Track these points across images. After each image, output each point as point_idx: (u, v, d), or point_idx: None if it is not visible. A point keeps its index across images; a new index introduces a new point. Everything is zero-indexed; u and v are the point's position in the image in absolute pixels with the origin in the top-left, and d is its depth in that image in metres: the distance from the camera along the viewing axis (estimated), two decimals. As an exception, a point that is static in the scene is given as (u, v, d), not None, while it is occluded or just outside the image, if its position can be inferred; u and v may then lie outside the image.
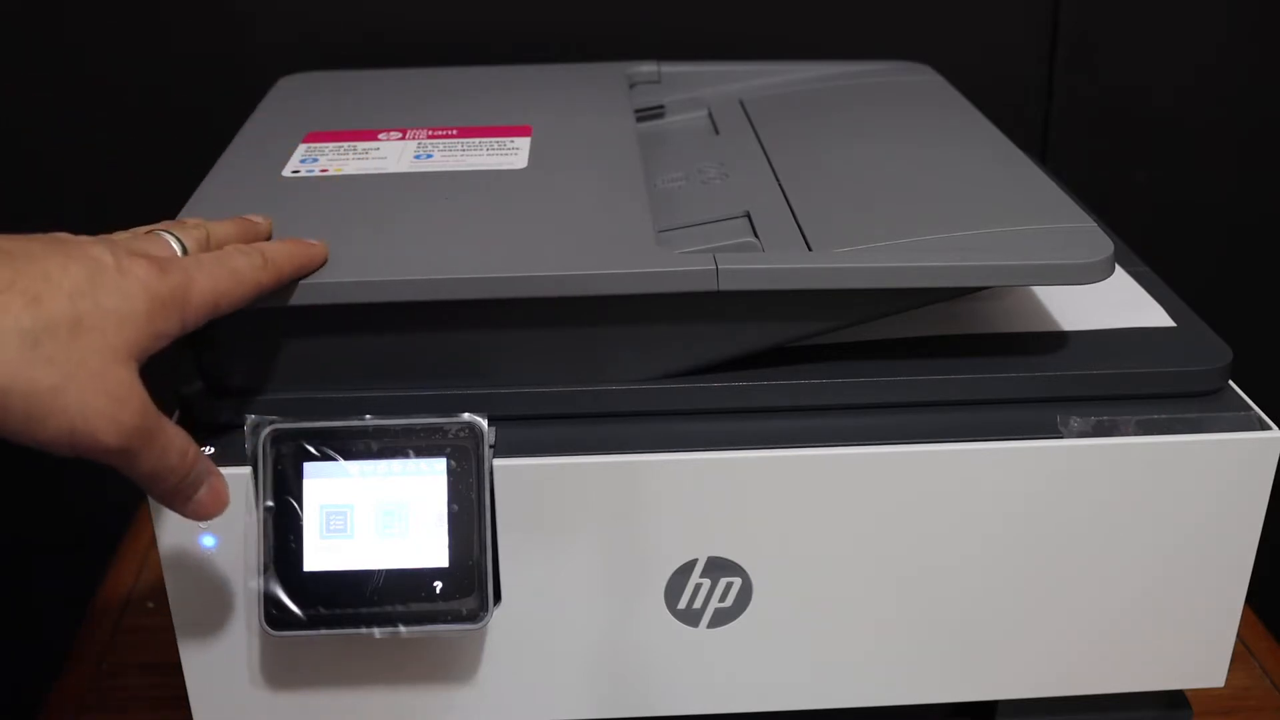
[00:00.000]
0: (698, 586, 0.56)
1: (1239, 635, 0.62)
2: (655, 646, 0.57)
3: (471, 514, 0.53)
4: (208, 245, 0.51)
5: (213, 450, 0.54)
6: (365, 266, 0.53)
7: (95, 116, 0.96)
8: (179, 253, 0.49)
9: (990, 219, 0.57)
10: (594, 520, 0.55)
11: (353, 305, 0.52)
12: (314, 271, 0.52)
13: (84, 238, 0.46)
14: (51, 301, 0.42)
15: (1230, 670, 0.61)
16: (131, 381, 0.44)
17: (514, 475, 0.54)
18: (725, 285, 0.53)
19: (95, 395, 0.42)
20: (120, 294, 0.44)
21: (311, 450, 0.53)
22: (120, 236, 0.49)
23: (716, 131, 0.75)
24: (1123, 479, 0.55)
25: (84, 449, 0.43)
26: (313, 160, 0.64)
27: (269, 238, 0.55)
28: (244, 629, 0.56)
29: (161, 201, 0.61)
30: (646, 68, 0.81)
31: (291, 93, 0.77)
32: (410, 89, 0.77)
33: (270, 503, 0.53)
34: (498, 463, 0.53)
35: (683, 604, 0.57)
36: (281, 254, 0.51)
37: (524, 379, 0.55)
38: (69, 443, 0.42)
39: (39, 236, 0.45)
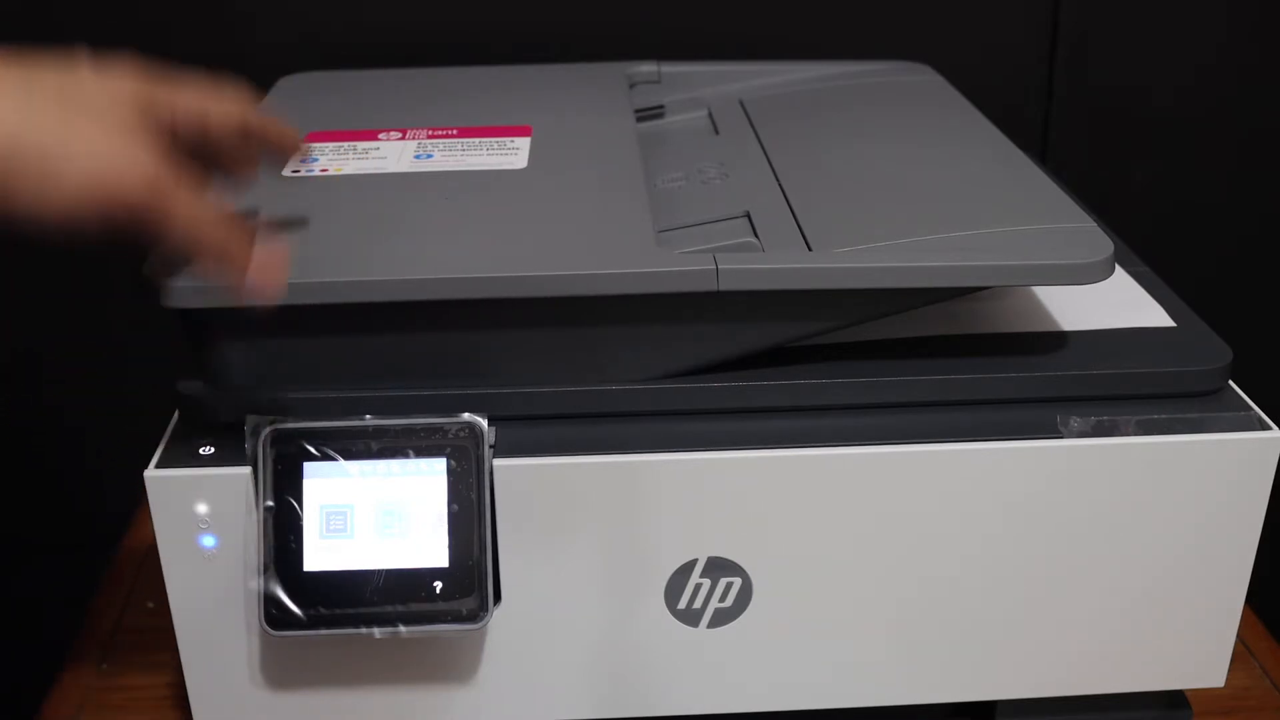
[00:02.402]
0: (698, 586, 0.56)
1: (1239, 635, 0.62)
2: (655, 646, 0.57)
3: (471, 514, 0.53)
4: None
5: (213, 450, 0.54)
6: (365, 266, 0.53)
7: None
8: None
9: (990, 219, 0.57)
10: (594, 520, 0.55)
11: (352, 305, 0.52)
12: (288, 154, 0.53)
13: None
14: (40, 67, 0.42)
15: (1230, 670, 0.61)
16: (137, 116, 0.43)
17: (514, 475, 0.54)
18: (725, 285, 0.53)
19: (107, 139, 0.42)
20: (107, 71, 0.44)
21: (311, 450, 0.53)
22: None
23: (716, 131, 0.75)
24: (1123, 479, 0.55)
25: (115, 188, 0.41)
26: (313, 160, 0.64)
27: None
28: (244, 629, 0.56)
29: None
30: (646, 68, 0.81)
31: (291, 93, 0.77)
32: (410, 89, 0.77)
33: (270, 503, 0.53)
34: (498, 463, 0.53)
35: (683, 604, 0.57)
36: (267, 118, 0.51)
37: (524, 379, 0.55)
38: (96, 185, 0.41)
39: None
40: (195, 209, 0.44)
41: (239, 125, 0.50)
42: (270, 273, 0.47)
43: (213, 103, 0.48)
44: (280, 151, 0.53)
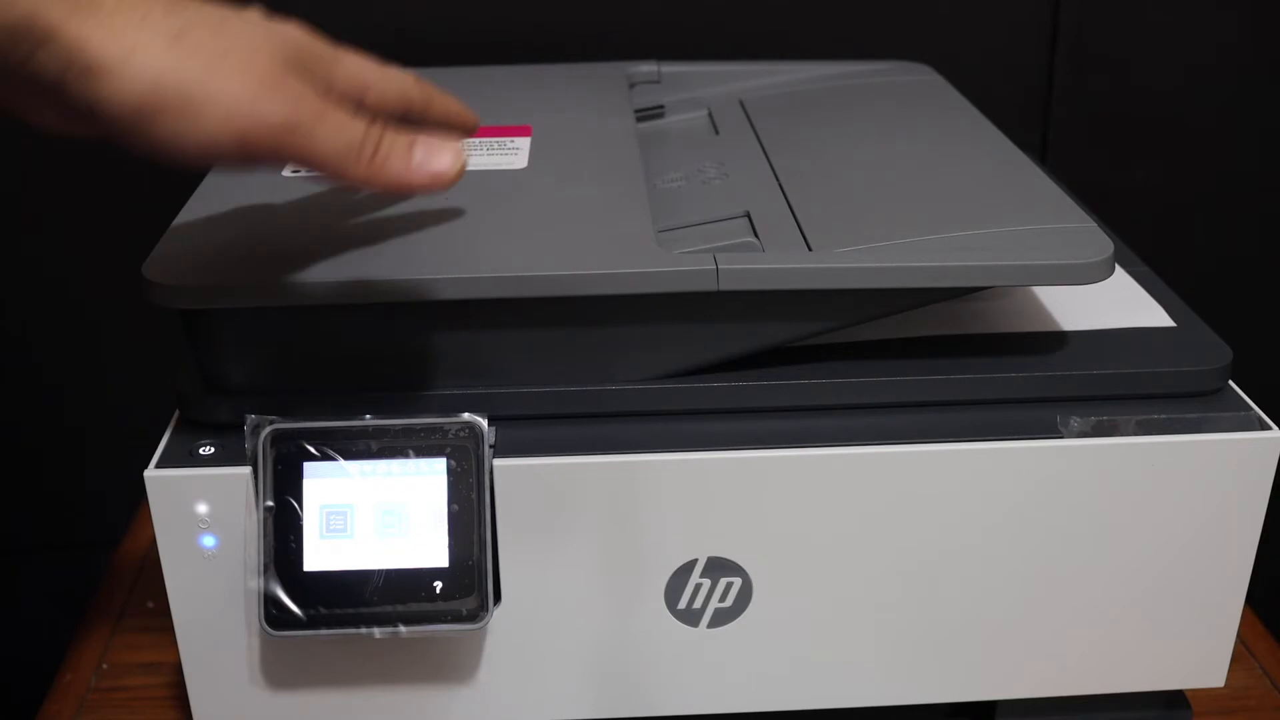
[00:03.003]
0: (698, 586, 0.56)
1: (1239, 635, 0.62)
2: (655, 646, 0.57)
3: (471, 514, 0.53)
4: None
5: (213, 450, 0.54)
6: (365, 266, 0.53)
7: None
8: None
9: (990, 219, 0.57)
10: (594, 520, 0.55)
11: (352, 305, 0.52)
12: (464, 135, 0.50)
13: None
14: (195, 9, 0.42)
15: (1230, 670, 0.61)
16: (283, 71, 0.43)
17: (514, 475, 0.54)
18: (725, 285, 0.53)
19: (248, 75, 0.42)
20: (267, 24, 0.44)
21: (311, 450, 0.53)
22: None
23: (716, 131, 0.75)
24: (1123, 479, 0.55)
25: (250, 132, 0.42)
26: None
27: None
28: (244, 629, 0.56)
29: (162, 201, 0.61)
30: (646, 68, 0.81)
31: (291, 93, 0.76)
32: (410, 89, 0.76)
33: (270, 503, 0.53)
34: (498, 463, 0.53)
35: (683, 604, 0.57)
36: (439, 90, 0.51)
37: (524, 379, 0.55)
38: (233, 126, 0.41)
39: None
40: (346, 130, 0.44)
41: (400, 103, 0.49)
42: (444, 169, 0.46)
43: (376, 76, 0.48)
44: (455, 133, 0.51)
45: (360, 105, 0.47)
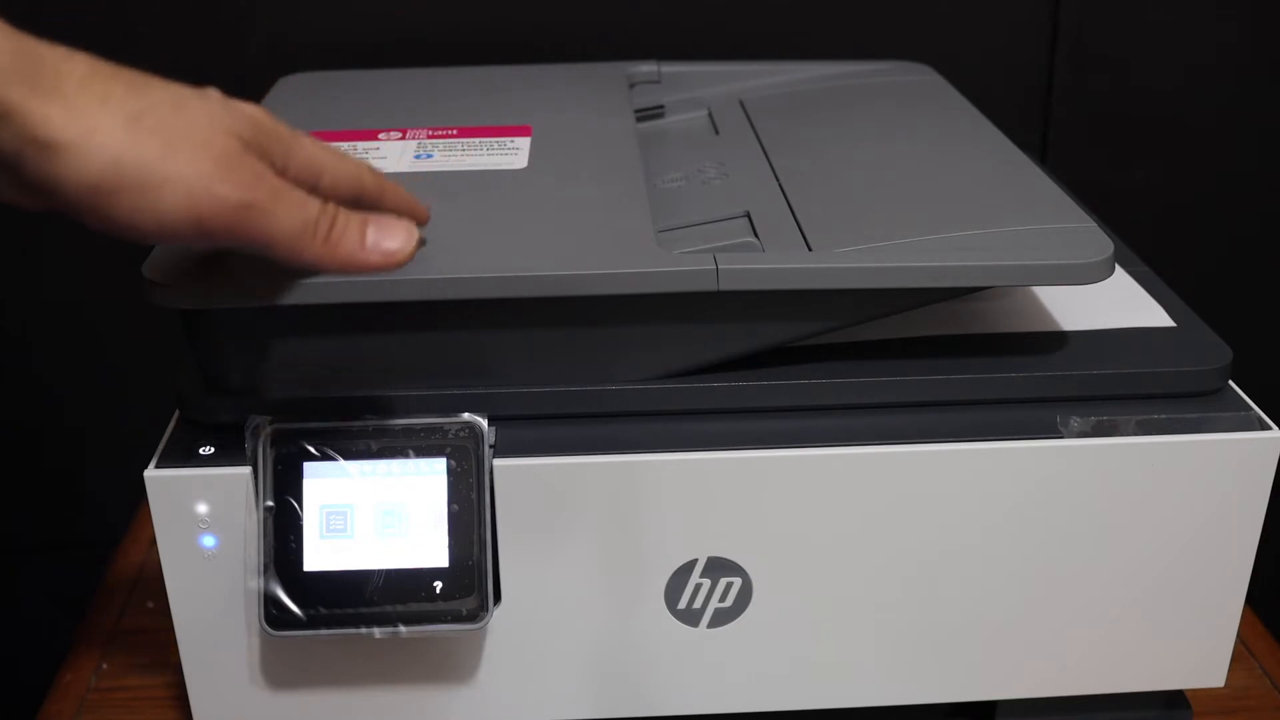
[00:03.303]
0: (698, 586, 0.56)
1: (1239, 635, 0.62)
2: (655, 646, 0.57)
3: (471, 514, 0.53)
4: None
5: (213, 450, 0.54)
6: (365, 266, 0.53)
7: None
8: None
9: (990, 219, 0.57)
10: (594, 520, 0.55)
11: (353, 305, 0.52)
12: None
13: None
14: (155, 90, 0.43)
15: (1230, 670, 0.61)
16: (241, 149, 0.43)
17: (514, 475, 0.54)
18: (725, 285, 0.53)
19: (205, 157, 0.42)
20: (226, 104, 0.45)
21: (311, 450, 0.53)
22: None
23: (716, 131, 0.75)
24: (1123, 479, 0.55)
25: (206, 213, 0.42)
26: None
27: None
28: (244, 629, 0.56)
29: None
30: (646, 68, 0.81)
31: (292, 93, 0.77)
32: (410, 89, 0.76)
33: (270, 503, 0.53)
34: (498, 463, 0.53)
35: (683, 604, 0.57)
36: (391, 182, 0.51)
37: (524, 379, 0.55)
38: (190, 207, 0.42)
39: None
40: (302, 211, 0.44)
41: (353, 189, 0.49)
42: (397, 248, 0.46)
43: (331, 161, 0.48)
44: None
45: (314, 189, 0.47)
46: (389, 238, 0.47)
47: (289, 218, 0.44)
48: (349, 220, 0.46)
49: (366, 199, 0.50)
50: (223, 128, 0.44)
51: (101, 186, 0.41)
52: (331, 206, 0.46)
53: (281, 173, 0.46)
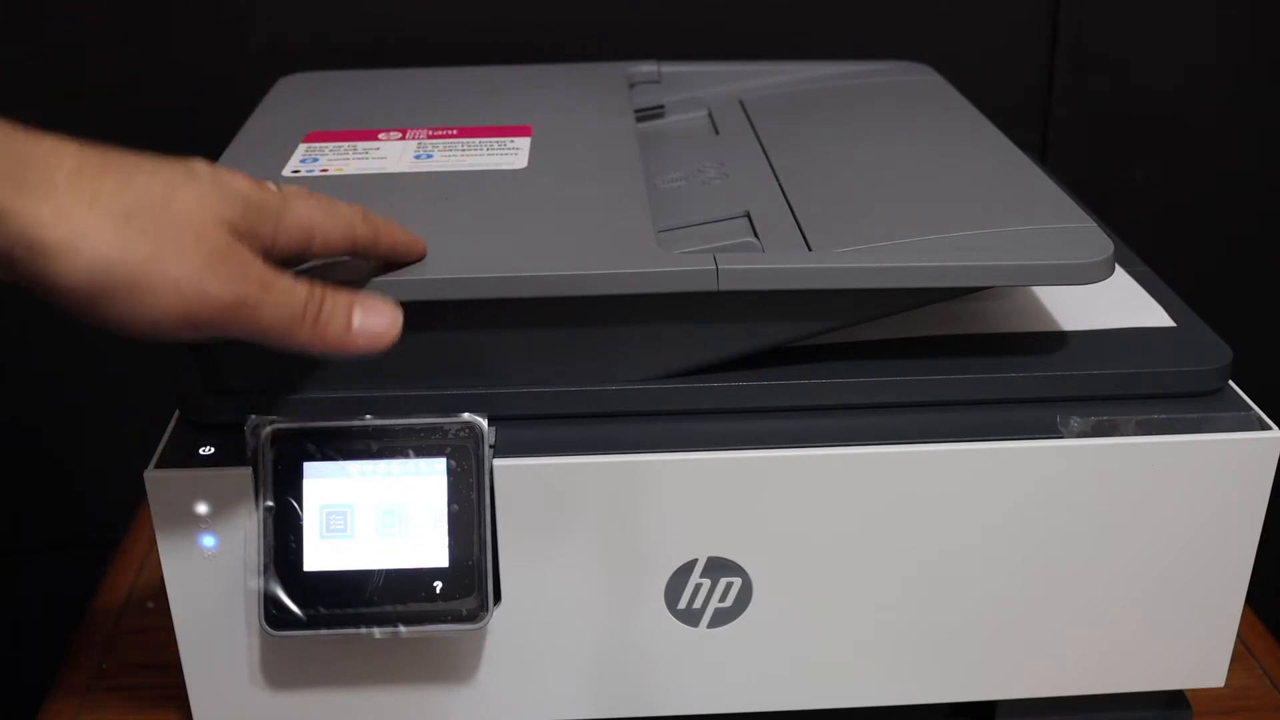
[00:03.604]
0: (698, 586, 0.56)
1: (1239, 635, 0.62)
2: (655, 646, 0.57)
3: (471, 514, 0.53)
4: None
5: (213, 450, 0.54)
6: (365, 266, 0.53)
7: (95, 117, 0.96)
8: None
9: (990, 219, 0.57)
10: (594, 520, 0.55)
11: (355, 249, 0.52)
12: (410, 264, 0.52)
13: None
14: (144, 180, 0.42)
15: (1230, 670, 0.61)
16: (231, 243, 0.43)
17: (514, 475, 0.54)
18: (725, 285, 0.53)
19: (194, 256, 0.42)
20: (214, 185, 0.44)
21: (311, 450, 0.53)
22: None
23: (716, 131, 0.75)
24: (1123, 479, 0.55)
25: (197, 314, 0.42)
26: (313, 160, 0.64)
27: None
28: (244, 629, 0.56)
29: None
30: (646, 68, 0.81)
31: (291, 93, 0.77)
32: (410, 89, 0.77)
33: (270, 503, 0.53)
34: (498, 463, 0.53)
35: (683, 604, 0.57)
36: (387, 222, 0.51)
37: (524, 379, 0.55)
38: (181, 308, 0.42)
39: None
40: (289, 303, 0.45)
41: (346, 243, 0.49)
42: (382, 333, 0.47)
43: (321, 218, 0.48)
44: (400, 262, 0.52)
45: (306, 252, 0.48)
46: (374, 320, 0.47)
47: (277, 310, 0.44)
48: (335, 304, 0.46)
49: (361, 248, 0.50)
50: (212, 217, 0.43)
51: (92, 289, 0.41)
52: (319, 290, 0.46)
53: (271, 246, 0.46)
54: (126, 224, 0.41)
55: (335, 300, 0.46)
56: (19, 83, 0.94)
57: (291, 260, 0.48)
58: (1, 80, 0.93)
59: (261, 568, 0.53)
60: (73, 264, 0.40)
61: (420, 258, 0.53)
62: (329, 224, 0.48)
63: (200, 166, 0.45)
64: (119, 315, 0.42)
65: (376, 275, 0.52)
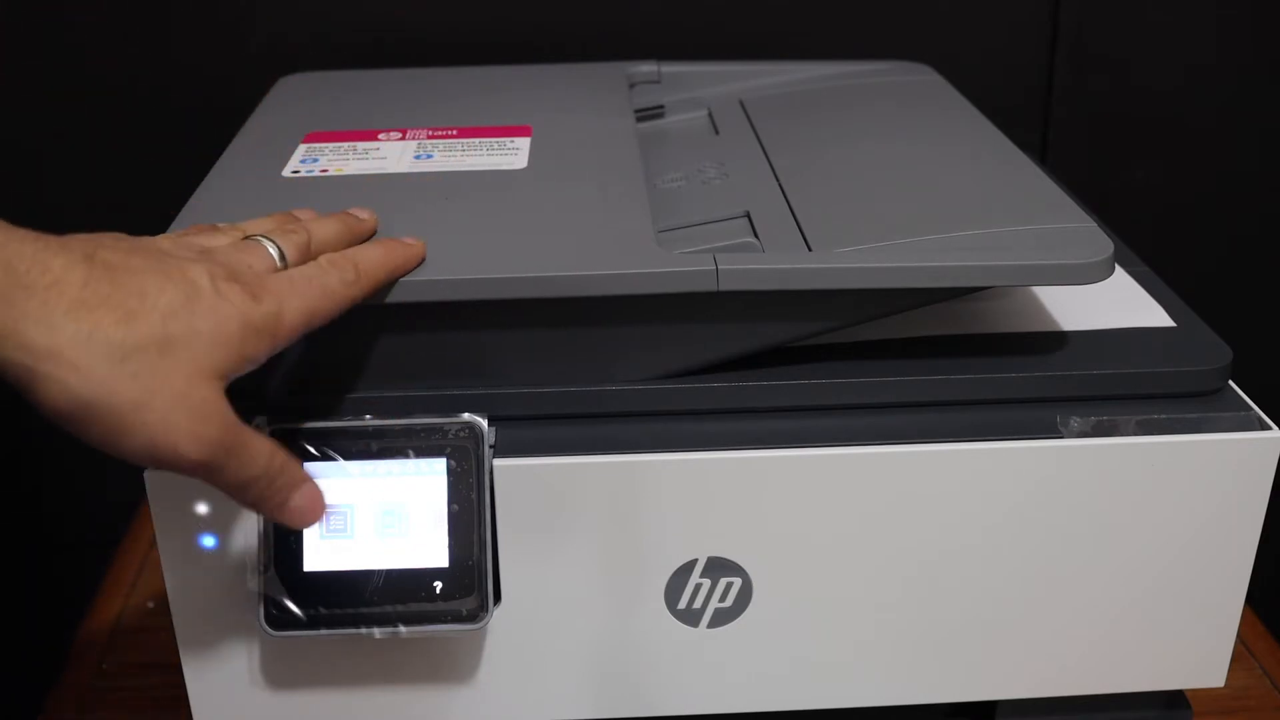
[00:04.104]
0: (698, 586, 0.56)
1: (1239, 635, 0.62)
2: (655, 646, 0.57)
3: (471, 514, 0.53)
4: (308, 251, 0.51)
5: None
6: (365, 266, 0.53)
7: (95, 117, 0.96)
8: (278, 262, 0.49)
9: (990, 219, 0.57)
10: (594, 520, 0.55)
11: (353, 307, 0.52)
12: (410, 272, 0.52)
13: (185, 251, 0.46)
14: (144, 320, 0.42)
15: (1230, 670, 0.61)
16: (216, 399, 0.44)
17: (514, 475, 0.54)
18: (725, 285, 0.53)
19: (178, 412, 0.43)
20: (214, 319, 0.44)
21: (311, 450, 0.53)
22: (219, 245, 0.49)
23: (716, 131, 0.75)
24: (1123, 479, 0.55)
25: (165, 463, 0.44)
26: (313, 160, 0.64)
27: (374, 233, 0.55)
28: (244, 629, 0.56)
29: (162, 202, 0.61)
30: (646, 68, 0.81)
31: (291, 93, 0.77)
32: (410, 89, 0.77)
33: (270, 503, 0.53)
34: (498, 463, 0.53)
35: (683, 604, 0.57)
36: (374, 262, 0.51)
37: (524, 379, 0.55)
38: (150, 456, 0.43)
39: (141, 246, 0.45)
40: (246, 472, 0.46)
41: (343, 310, 0.50)
42: (306, 516, 0.49)
43: (318, 307, 0.48)
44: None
45: (308, 326, 0.49)
46: (309, 504, 0.49)
47: (234, 475, 0.46)
48: (282, 483, 0.48)
49: (360, 298, 0.51)
50: (206, 369, 0.44)
51: (74, 417, 0.42)
52: (277, 462, 0.47)
53: (271, 351, 0.47)
54: (120, 366, 0.42)
55: (284, 478, 0.48)
56: (19, 83, 0.94)
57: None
58: (1, 80, 0.93)
59: (261, 568, 0.53)
60: (56, 393, 0.41)
61: (419, 261, 0.53)
62: (325, 307, 0.49)
63: (201, 285, 0.44)
64: (96, 442, 0.43)
65: None
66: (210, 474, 0.45)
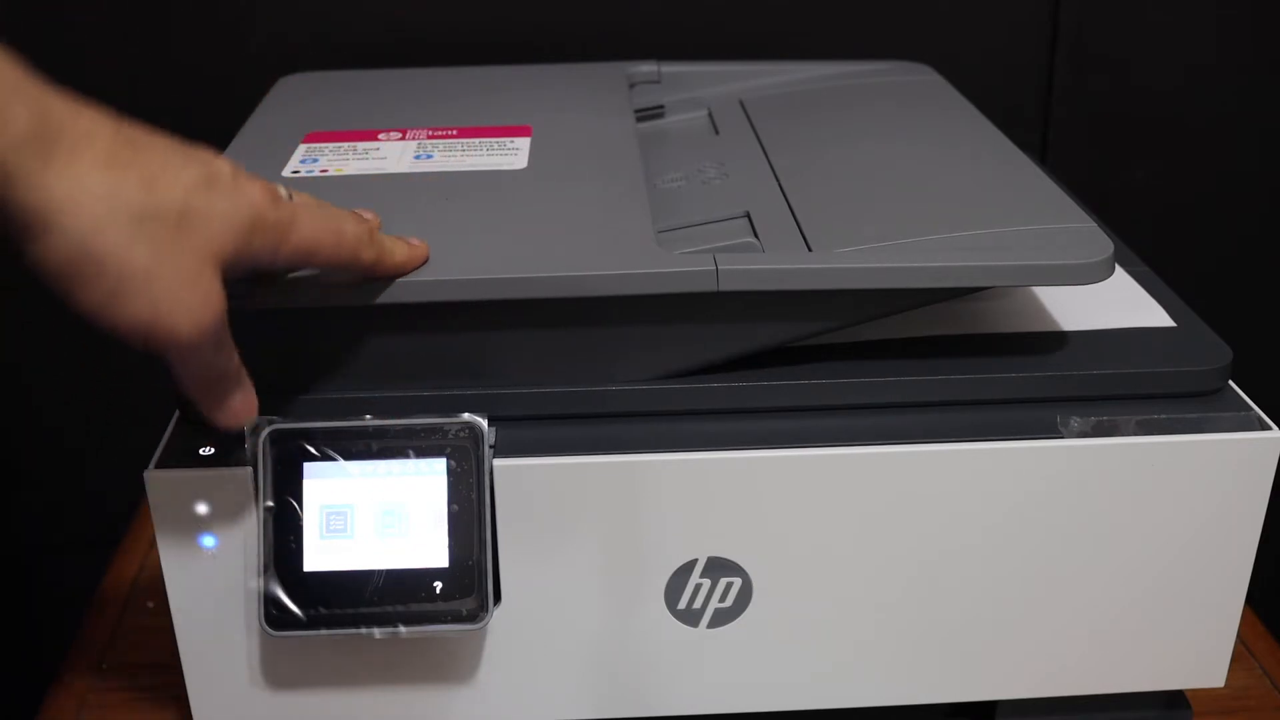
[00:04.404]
0: (698, 586, 0.56)
1: (1239, 635, 0.62)
2: (655, 646, 0.57)
3: (471, 514, 0.53)
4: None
5: (213, 450, 0.54)
6: (365, 266, 0.53)
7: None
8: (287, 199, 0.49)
9: (990, 219, 0.57)
10: (594, 520, 0.55)
11: (352, 306, 0.52)
12: (412, 270, 0.53)
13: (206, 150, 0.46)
14: (167, 188, 0.42)
15: (1230, 670, 0.61)
16: (218, 286, 0.44)
17: (514, 475, 0.54)
18: (725, 285, 0.53)
19: (184, 289, 0.42)
20: (231, 202, 0.44)
21: (311, 450, 0.53)
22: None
23: (716, 131, 0.75)
24: (1123, 479, 0.55)
25: (155, 338, 0.43)
26: (313, 160, 0.64)
27: None
28: (244, 629, 0.56)
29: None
30: (646, 68, 0.81)
31: (291, 93, 0.77)
32: (410, 89, 0.77)
33: (270, 503, 0.53)
34: (498, 463, 0.53)
35: (683, 604, 0.57)
36: (390, 242, 0.52)
37: (524, 379, 0.55)
38: (146, 328, 0.43)
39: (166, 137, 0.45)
40: (218, 362, 0.46)
41: (347, 268, 0.50)
42: (236, 418, 0.50)
43: (325, 242, 0.48)
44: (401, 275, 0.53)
45: (308, 264, 0.49)
46: (245, 409, 0.50)
47: (205, 369, 0.46)
48: (233, 388, 0.49)
49: (361, 272, 0.51)
50: (217, 249, 0.44)
51: (76, 274, 0.41)
52: (234, 370, 0.48)
53: (270, 263, 0.47)
54: (138, 228, 0.41)
55: (235, 384, 0.49)
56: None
57: (291, 267, 0.50)
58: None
59: (261, 568, 0.53)
60: (67, 247, 0.40)
61: (423, 261, 0.53)
62: (333, 247, 0.49)
63: (223, 171, 0.45)
64: (88, 302, 0.42)
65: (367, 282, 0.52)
66: (185, 356, 0.44)
